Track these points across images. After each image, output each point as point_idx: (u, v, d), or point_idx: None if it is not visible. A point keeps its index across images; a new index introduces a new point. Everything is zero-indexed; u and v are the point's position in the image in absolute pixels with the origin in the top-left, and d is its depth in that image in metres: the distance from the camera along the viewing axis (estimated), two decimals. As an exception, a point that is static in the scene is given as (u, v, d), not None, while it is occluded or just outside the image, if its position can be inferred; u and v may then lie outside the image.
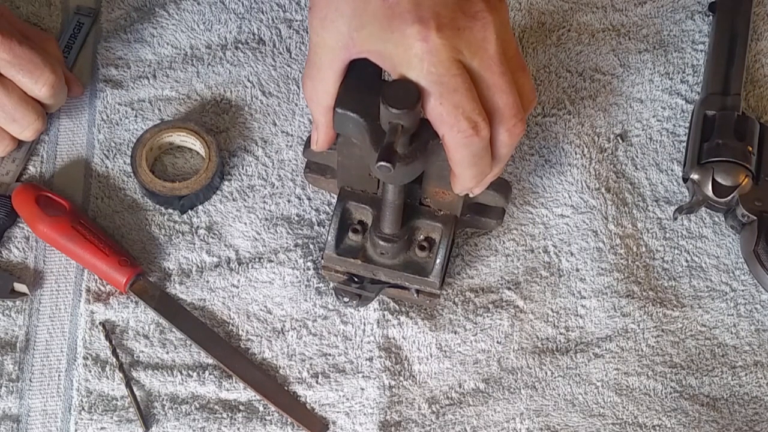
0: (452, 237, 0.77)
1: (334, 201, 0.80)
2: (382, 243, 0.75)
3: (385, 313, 0.80)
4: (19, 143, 0.83)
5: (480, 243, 0.84)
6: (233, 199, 0.84)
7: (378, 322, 0.80)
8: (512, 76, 0.63)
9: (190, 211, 0.84)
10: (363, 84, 0.65)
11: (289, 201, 0.84)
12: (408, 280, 0.77)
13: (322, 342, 0.80)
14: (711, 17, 0.93)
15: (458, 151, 0.64)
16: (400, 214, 0.74)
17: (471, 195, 0.71)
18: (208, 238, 0.83)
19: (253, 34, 0.91)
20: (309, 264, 0.82)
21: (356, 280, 0.78)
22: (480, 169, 0.65)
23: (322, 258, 0.78)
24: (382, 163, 0.60)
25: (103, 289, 0.80)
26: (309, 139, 0.75)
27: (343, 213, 0.77)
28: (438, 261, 0.76)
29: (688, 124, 0.89)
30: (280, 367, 0.79)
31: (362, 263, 0.77)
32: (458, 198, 0.74)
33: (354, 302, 0.79)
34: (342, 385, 0.78)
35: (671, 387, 0.79)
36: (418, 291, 0.78)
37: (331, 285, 0.80)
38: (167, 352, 0.79)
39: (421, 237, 0.77)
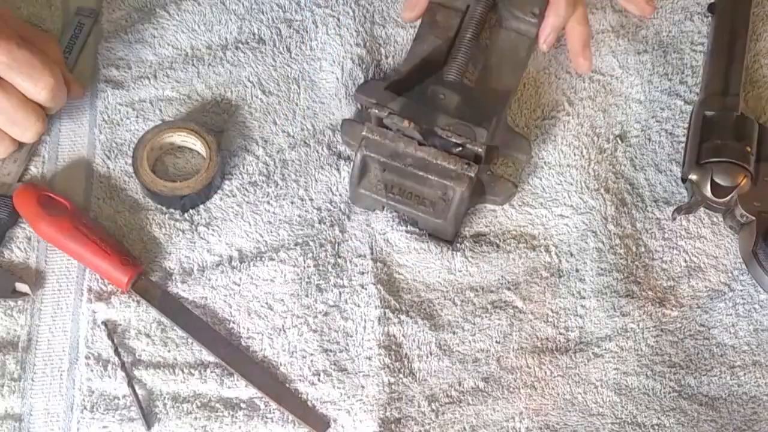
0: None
1: (335, 200, 0.80)
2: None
3: (386, 311, 0.80)
4: (20, 144, 0.83)
5: (480, 242, 0.84)
6: (234, 198, 0.85)
7: (379, 320, 0.80)
8: None
9: (191, 211, 0.84)
10: None
11: (290, 200, 0.85)
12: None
13: (323, 338, 0.80)
14: (710, 18, 0.94)
15: None
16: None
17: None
18: (210, 237, 0.83)
19: (254, 35, 0.91)
20: (310, 262, 0.82)
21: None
22: None
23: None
24: None
25: (104, 288, 0.81)
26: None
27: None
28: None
29: (686, 125, 0.89)
30: (281, 364, 0.79)
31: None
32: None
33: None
34: (343, 382, 0.78)
35: (670, 387, 0.80)
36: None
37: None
38: (169, 351, 0.79)
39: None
